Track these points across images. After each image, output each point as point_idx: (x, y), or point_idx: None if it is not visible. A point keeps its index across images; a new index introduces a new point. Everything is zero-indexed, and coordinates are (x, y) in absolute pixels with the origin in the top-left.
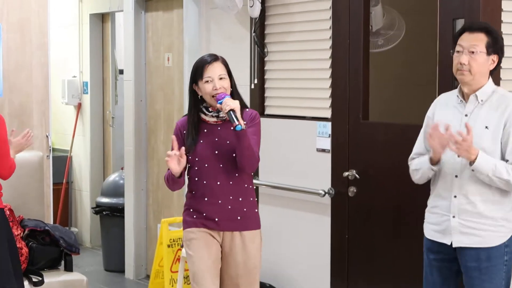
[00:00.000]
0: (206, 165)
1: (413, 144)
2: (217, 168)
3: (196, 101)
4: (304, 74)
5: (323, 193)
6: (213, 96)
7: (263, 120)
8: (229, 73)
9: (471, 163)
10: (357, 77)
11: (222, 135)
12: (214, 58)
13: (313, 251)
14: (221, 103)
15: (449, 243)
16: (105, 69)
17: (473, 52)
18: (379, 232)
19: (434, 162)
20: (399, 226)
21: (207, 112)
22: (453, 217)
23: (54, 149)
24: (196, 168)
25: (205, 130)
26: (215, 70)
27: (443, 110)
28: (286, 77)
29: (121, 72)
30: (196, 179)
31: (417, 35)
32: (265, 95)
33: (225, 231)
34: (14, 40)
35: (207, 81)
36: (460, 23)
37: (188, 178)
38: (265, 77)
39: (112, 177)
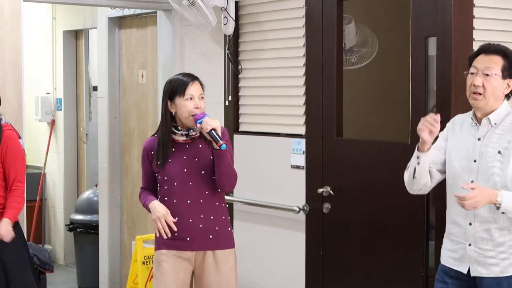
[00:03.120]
0: (175, 183)
1: (387, 161)
2: (187, 187)
3: (170, 119)
4: (278, 91)
5: (298, 209)
6: (192, 115)
7: (237, 137)
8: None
9: (498, 207)
10: (331, 94)
11: (191, 153)
12: (195, 77)
13: (288, 268)
14: (200, 123)
15: (465, 271)
16: (79, 85)
17: (487, 75)
18: (354, 248)
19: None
20: (374, 242)
21: (176, 131)
22: (469, 245)
23: (27, 166)
24: (166, 187)
25: (174, 149)
26: (196, 89)
27: (456, 134)
28: (260, 94)
29: (95, 88)
30: (166, 198)
31: (390, 52)
32: (240, 112)
33: (197, 250)
34: None
35: (189, 99)
36: (432, 41)
37: (159, 197)
38: (239, 94)
39: (86, 194)
